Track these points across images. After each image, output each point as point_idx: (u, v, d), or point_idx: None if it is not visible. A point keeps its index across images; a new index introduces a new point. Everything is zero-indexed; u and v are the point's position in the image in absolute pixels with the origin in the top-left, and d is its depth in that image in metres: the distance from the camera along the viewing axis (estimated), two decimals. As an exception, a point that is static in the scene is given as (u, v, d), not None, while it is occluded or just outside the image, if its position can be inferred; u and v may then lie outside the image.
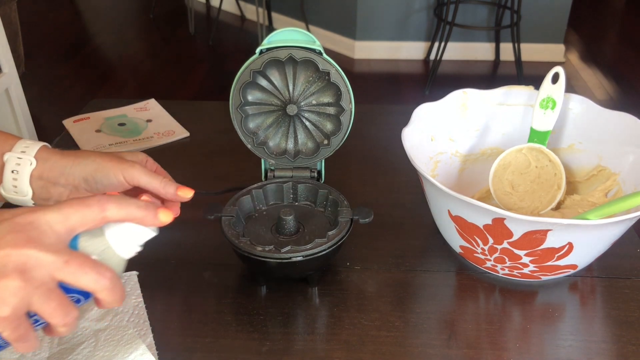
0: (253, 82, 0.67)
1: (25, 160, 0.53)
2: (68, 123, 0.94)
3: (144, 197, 0.57)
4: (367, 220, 0.60)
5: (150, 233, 0.46)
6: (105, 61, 3.18)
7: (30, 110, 1.82)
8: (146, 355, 0.52)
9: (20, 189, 0.54)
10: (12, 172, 0.53)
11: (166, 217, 0.46)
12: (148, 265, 0.65)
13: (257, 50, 0.65)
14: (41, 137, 1.89)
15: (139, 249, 0.46)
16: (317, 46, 0.65)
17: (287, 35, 0.66)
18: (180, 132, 0.92)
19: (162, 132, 0.92)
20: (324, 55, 0.65)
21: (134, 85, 2.86)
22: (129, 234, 0.45)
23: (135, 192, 0.58)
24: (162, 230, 0.71)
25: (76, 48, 3.30)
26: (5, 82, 1.68)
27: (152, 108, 1.00)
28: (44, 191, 0.55)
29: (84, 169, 0.54)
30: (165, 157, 0.86)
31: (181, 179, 0.80)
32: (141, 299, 0.60)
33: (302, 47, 0.65)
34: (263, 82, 0.68)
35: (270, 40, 0.66)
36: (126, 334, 0.54)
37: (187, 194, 0.57)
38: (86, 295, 0.43)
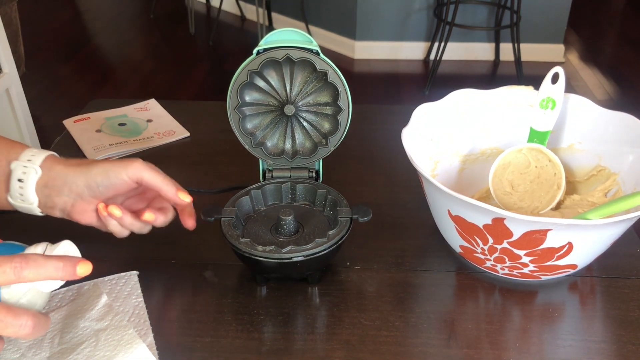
0: (250, 83, 0.67)
1: (31, 169, 0.54)
2: (68, 123, 0.94)
3: (100, 206, 0.57)
4: (366, 218, 0.60)
5: None
6: (105, 61, 3.18)
7: (31, 110, 1.82)
8: (146, 355, 0.52)
9: (26, 197, 0.55)
10: (19, 180, 0.54)
11: (85, 270, 0.45)
12: (148, 265, 0.65)
13: (254, 51, 0.65)
14: (41, 137, 1.89)
15: (62, 282, 0.47)
16: (314, 46, 0.65)
17: (284, 35, 0.66)
18: (180, 132, 0.92)
19: (162, 132, 0.92)
20: (321, 55, 0.65)
21: (134, 85, 2.86)
22: None
23: (138, 202, 0.59)
24: (162, 230, 0.72)
25: (76, 48, 3.30)
26: (6, 82, 1.68)
27: (152, 108, 1.00)
28: (49, 200, 0.56)
29: (85, 176, 0.55)
30: (165, 157, 0.86)
31: (181, 179, 0.80)
32: (141, 299, 0.60)
33: (299, 47, 0.65)
34: (260, 83, 0.68)
35: (267, 41, 0.66)
36: (126, 334, 0.54)
37: (185, 197, 0.58)
38: None
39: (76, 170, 0.55)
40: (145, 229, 0.61)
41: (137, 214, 0.60)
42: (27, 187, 0.54)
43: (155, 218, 0.59)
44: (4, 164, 0.55)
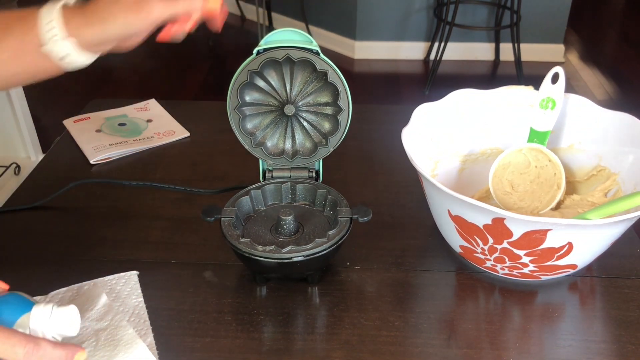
0: (250, 83, 0.67)
1: (65, 44, 0.53)
2: (68, 123, 0.94)
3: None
4: (366, 218, 0.60)
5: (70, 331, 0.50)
6: (105, 61, 3.18)
7: (30, 110, 1.82)
8: (146, 355, 0.52)
9: (77, 64, 0.55)
10: (61, 58, 0.54)
11: (82, 358, 0.47)
12: (148, 265, 0.65)
13: (254, 51, 0.65)
14: (41, 137, 1.89)
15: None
16: (314, 46, 0.65)
17: (284, 35, 0.66)
18: (180, 132, 0.92)
19: (162, 132, 0.92)
20: (321, 55, 0.65)
21: (134, 85, 2.86)
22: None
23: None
24: (162, 230, 0.72)
25: (76, 48, 3.29)
26: (6, 82, 1.68)
27: (152, 108, 1.00)
28: (93, 51, 0.55)
29: (119, 29, 0.54)
30: (165, 157, 0.87)
31: (181, 179, 0.81)
32: (141, 299, 0.60)
33: (299, 47, 0.65)
34: (260, 83, 0.68)
35: (267, 41, 0.66)
36: (126, 333, 0.54)
37: (214, 3, 0.56)
38: None
39: (104, 28, 0.54)
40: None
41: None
42: (74, 57, 0.54)
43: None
44: (29, 47, 0.54)
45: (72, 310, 0.49)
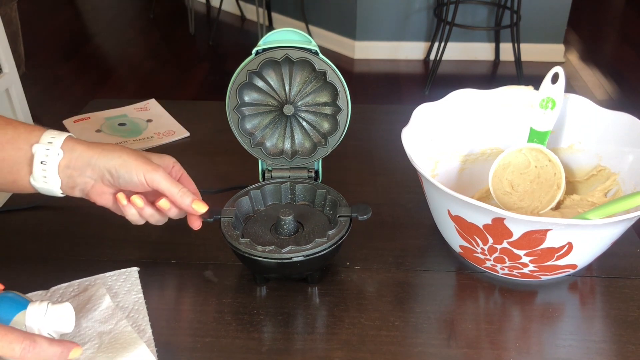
0: (249, 83, 0.67)
1: (53, 151, 0.55)
2: (68, 123, 0.94)
3: (119, 196, 0.58)
4: (365, 216, 0.60)
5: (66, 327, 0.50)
6: (105, 61, 3.18)
7: (30, 110, 1.82)
8: (146, 355, 0.52)
9: (50, 179, 0.56)
10: (41, 162, 0.55)
11: (76, 355, 0.48)
12: (148, 265, 0.65)
13: (253, 51, 0.65)
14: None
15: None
16: (313, 46, 0.65)
17: (283, 35, 0.66)
18: (180, 132, 0.92)
19: (162, 132, 0.92)
20: (320, 55, 0.65)
21: (134, 85, 2.86)
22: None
23: (154, 194, 0.60)
24: (162, 229, 0.72)
25: (76, 48, 3.30)
26: (6, 82, 1.68)
27: (152, 108, 1.00)
28: (71, 180, 0.57)
29: (109, 162, 0.57)
30: (165, 157, 0.86)
31: (181, 179, 0.80)
32: (141, 295, 0.60)
33: (298, 47, 0.65)
34: (259, 83, 0.68)
35: (266, 41, 0.66)
36: (130, 338, 0.54)
37: (200, 208, 0.59)
38: None
39: (100, 154, 0.57)
40: (162, 221, 0.61)
41: (152, 202, 0.61)
42: (50, 169, 0.56)
43: (170, 208, 0.59)
44: (25, 148, 0.56)
45: (67, 307, 0.50)
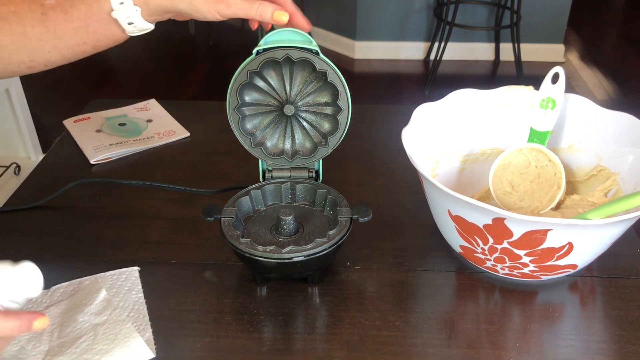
0: (250, 83, 0.67)
1: (131, 10, 0.58)
2: (68, 123, 0.94)
3: None
4: (366, 218, 0.60)
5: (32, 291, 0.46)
6: (105, 61, 3.18)
7: (31, 110, 1.82)
8: (143, 349, 0.52)
9: (142, 27, 0.60)
10: (129, 25, 0.59)
11: (42, 324, 0.45)
12: (148, 265, 0.65)
13: (254, 51, 0.65)
14: (41, 137, 1.89)
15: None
16: (314, 46, 0.65)
17: (284, 35, 0.66)
18: (180, 132, 0.92)
19: (162, 132, 0.92)
20: (321, 55, 0.65)
21: (134, 85, 2.86)
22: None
23: None
24: (162, 230, 0.72)
25: (76, 48, 3.29)
26: (6, 82, 1.68)
27: (152, 108, 1.00)
28: (157, 20, 0.61)
29: (183, 6, 0.59)
30: (165, 157, 0.87)
31: (181, 179, 0.81)
32: (141, 294, 0.60)
33: (298, 47, 0.65)
34: (260, 83, 0.68)
35: (267, 41, 0.66)
36: (124, 328, 0.54)
37: (282, 17, 0.60)
38: None
39: (170, 1, 0.59)
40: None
41: None
42: (139, 24, 0.59)
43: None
44: (105, 17, 0.59)
45: (31, 268, 0.46)
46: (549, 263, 0.58)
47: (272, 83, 0.68)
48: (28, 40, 0.59)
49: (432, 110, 0.70)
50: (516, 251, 0.57)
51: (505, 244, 0.57)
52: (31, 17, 0.58)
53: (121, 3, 0.58)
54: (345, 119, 0.68)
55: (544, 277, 0.61)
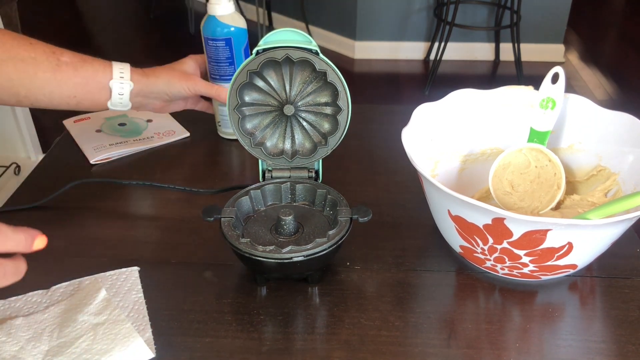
0: (250, 83, 0.67)
1: (126, 84, 0.74)
2: (68, 123, 0.94)
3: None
4: (366, 218, 0.60)
5: None
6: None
7: (30, 110, 1.82)
8: (143, 349, 0.52)
9: (125, 104, 0.76)
10: (119, 95, 0.74)
11: (41, 243, 0.48)
12: (148, 265, 0.65)
13: (254, 51, 0.65)
14: (41, 137, 1.89)
15: None
16: (314, 46, 0.65)
17: (284, 35, 0.66)
18: (180, 132, 0.92)
19: (162, 132, 0.92)
20: (321, 55, 0.65)
21: (134, 86, 2.85)
22: None
23: (195, 99, 0.87)
24: (162, 230, 0.72)
25: (76, 48, 3.29)
26: (5, 82, 1.68)
27: (152, 108, 0.99)
28: (140, 105, 0.79)
29: (162, 85, 0.77)
30: (165, 157, 0.87)
31: (181, 179, 0.81)
32: (141, 294, 0.60)
33: (298, 47, 0.65)
34: (260, 83, 0.68)
35: (267, 41, 0.66)
36: (124, 327, 0.54)
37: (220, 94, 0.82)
38: None
39: (156, 81, 0.77)
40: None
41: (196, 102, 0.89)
42: (125, 98, 0.75)
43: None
44: (104, 82, 0.73)
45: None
46: (549, 263, 0.58)
47: (272, 83, 0.69)
48: (35, 80, 0.69)
49: (432, 110, 0.70)
50: (516, 251, 0.57)
51: (505, 244, 0.57)
52: (46, 65, 0.69)
53: (122, 77, 0.73)
54: (345, 119, 0.68)
55: (543, 277, 0.62)
